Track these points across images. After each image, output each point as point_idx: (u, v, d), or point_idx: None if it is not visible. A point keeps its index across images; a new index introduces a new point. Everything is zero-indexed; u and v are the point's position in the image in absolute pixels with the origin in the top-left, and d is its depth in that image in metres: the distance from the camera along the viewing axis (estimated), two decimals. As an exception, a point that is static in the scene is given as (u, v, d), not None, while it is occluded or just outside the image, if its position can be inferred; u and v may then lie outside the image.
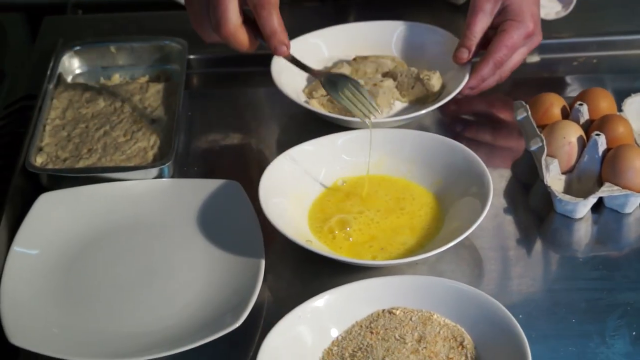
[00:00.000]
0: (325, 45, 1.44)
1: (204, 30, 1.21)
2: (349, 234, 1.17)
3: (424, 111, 1.31)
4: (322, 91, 1.36)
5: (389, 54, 1.44)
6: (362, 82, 1.34)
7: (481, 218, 1.11)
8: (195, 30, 1.22)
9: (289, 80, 1.36)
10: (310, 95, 1.37)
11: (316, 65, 1.40)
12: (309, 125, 1.32)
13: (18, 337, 1.03)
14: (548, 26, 1.51)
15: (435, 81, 1.35)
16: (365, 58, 1.42)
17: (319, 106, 1.34)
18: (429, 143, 1.24)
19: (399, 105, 1.37)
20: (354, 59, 1.42)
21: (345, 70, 1.39)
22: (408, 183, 1.23)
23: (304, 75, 1.39)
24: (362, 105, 1.22)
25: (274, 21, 1.17)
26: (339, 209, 1.20)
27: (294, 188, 1.20)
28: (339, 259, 1.12)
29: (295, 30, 1.45)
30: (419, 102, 1.36)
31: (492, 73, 1.34)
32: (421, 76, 1.36)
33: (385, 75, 1.39)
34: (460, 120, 1.38)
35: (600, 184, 1.20)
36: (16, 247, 1.15)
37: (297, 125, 1.36)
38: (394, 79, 1.37)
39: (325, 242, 1.16)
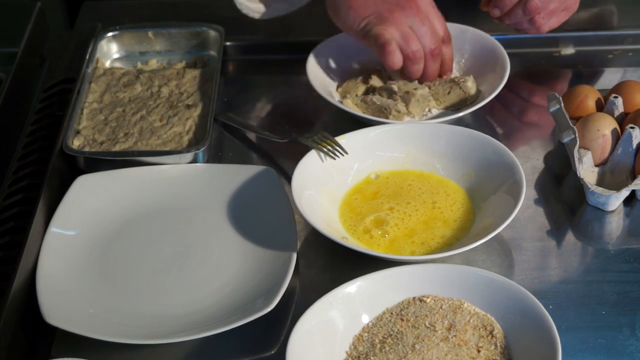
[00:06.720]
0: (357, 52, 1.41)
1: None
2: (386, 231, 1.16)
3: (461, 114, 1.30)
4: (357, 92, 1.36)
5: None
6: (396, 87, 1.34)
7: (516, 210, 1.12)
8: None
9: (323, 79, 1.37)
10: (344, 95, 1.37)
11: (350, 72, 1.40)
12: (344, 117, 1.33)
13: (54, 317, 1.05)
14: (585, 18, 1.51)
15: (470, 84, 1.35)
16: None
17: (353, 106, 1.34)
18: (460, 137, 1.24)
19: (436, 112, 1.35)
20: None
21: (377, 77, 1.38)
22: (441, 179, 1.23)
23: (338, 74, 1.40)
24: (329, 147, 1.22)
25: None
26: (369, 206, 1.20)
27: (326, 181, 1.21)
28: (378, 255, 1.12)
29: (325, 28, 1.43)
30: (455, 107, 1.35)
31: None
32: (456, 80, 1.35)
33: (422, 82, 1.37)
34: (492, 113, 1.38)
35: (633, 177, 1.20)
36: (53, 228, 1.16)
37: (332, 116, 1.36)
38: (429, 87, 1.35)
39: (361, 240, 1.16)
